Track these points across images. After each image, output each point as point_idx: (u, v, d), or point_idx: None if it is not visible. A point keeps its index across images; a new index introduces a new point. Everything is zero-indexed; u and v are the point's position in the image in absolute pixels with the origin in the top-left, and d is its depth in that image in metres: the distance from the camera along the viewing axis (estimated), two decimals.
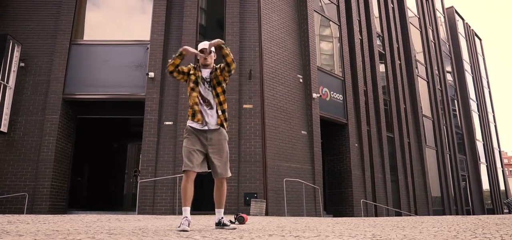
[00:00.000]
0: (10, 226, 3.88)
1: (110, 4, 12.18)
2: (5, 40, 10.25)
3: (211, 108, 3.86)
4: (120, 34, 11.49)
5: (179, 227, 3.54)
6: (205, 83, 3.89)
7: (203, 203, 10.22)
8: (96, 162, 13.98)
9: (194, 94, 3.84)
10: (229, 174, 3.97)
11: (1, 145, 10.32)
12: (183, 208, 3.68)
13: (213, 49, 3.94)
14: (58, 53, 10.91)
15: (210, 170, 3.89)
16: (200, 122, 3.79)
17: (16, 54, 10.64)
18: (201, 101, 3.85)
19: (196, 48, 4.05)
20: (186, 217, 3.59)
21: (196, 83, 3.88)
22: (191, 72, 3.94)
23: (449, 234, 3.24)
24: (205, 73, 3.94)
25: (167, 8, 11.41)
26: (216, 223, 3.91)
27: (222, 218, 3.88)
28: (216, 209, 3.93)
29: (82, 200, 13.10)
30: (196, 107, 3.81)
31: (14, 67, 10.57)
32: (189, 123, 3.83)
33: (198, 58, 4.01)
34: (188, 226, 3.53)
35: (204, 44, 3.93)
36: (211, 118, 3.84)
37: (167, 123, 10.52)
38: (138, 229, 3.68)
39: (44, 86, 10.79)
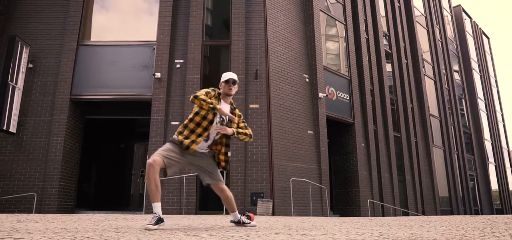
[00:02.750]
0: (20, 224, 3.92)
1: (117, 5, 12.27)
2: (14, 42, 10.37)
3: (207, 141, 3.76)
4: (126, 35, 11.56)
5: (147, 224, 3.34)
6: (220, 120, 3.78)
7: (210, 204, 10.26)
8: (103, 162, 14.08)
9: (208, 127, 3.70)
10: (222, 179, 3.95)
11: (10, 146, 10.43)
12: (153, 205, 3.42)
13: (238, 81, 3.90)
14: (65, 54, 11.01)
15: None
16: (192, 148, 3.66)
17: (25, 55, 10.75)
18: (206, 136, 3.72)
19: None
20: (155, 213, 3.37)
21: (211, 121, 3.72)
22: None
23: (457, 232, 3.21)
24: (225, 107, 3.82)
25: (173, 8, 11.46)
26: (233, 221, 4.03)
27: (239, 218, 3.97)
28: (231, 214, 4.01)
29: (90, 200, 13.20)
30: (196, 138, 3.66)
31: (23, 68, 10.68)
32: (176, 138, 3.67)
33: (220, 87, 3.88)
34: (154, 225, 3.29)
35: (230, 75, 3.84)
36: (204, 144, 3.75)
37: (173, 123, 10.56)
38: (143, 228, 3.69)
39: (52, 87, 10.89)
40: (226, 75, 3.86)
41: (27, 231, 3.12)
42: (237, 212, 4.01)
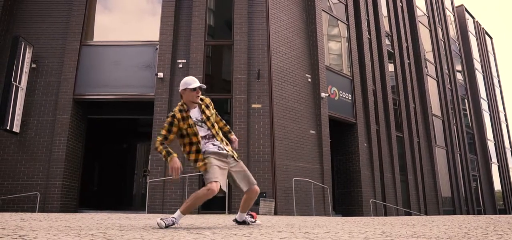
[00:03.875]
0: (24, 223, 3.94)
1: (119, 5, 12.30)
2: (17, 42, 10.41)
3: (215, 138, 3.72)
4: (129, 35, 11.59)
5: (160, 219, 3.38)
6: (202, 124, 3.71)
7: (212, 203, 10.26)
8: (106, 162, 14.11)
9: (193, 142, 3.65)
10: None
11: (14, 145, 10.48)
12: (179, 212, 3.45)
13: (204, 86, 3.76)
14: (68, 54, 11.06)
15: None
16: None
17: (28, 55, 10.80)
18: (204, 140, 3.68)
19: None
20: (176, 219, 3.41)
21: (195, 133, 3.65)
22: (184, 126, 3.65)
23: (460, 231, 3.21)
24: (197, 114, 3.73)
25: (176, 8, 11.48)
26: (237, 221, 3.97)
27: (245, 218, 3.94)
28: (240, 212, 3.93)
29: (92, 199, 13.24)
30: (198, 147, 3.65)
31: (26, 68, 10.73)
32: (206, 148, 3.65)
33: (182, 93, 3.73)
34: (165, 226, 3.33)
35: (197, 82, 3.70)
36: (225, 145, 3.72)
37: None
38: (148, 226, 3.71)
39: (55, 87, 10.93)
40: (192, 82, 3.67)
41: (32, 229, 3.14)
42: (246, 213, 3.96)
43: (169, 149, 3.59)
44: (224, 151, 3.67)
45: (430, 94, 19.33)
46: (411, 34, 19.24)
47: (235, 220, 4.02)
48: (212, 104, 3.93)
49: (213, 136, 3.71)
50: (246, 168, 3.80)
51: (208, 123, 3.72)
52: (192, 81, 3.68)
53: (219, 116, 4.07)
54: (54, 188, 10.11)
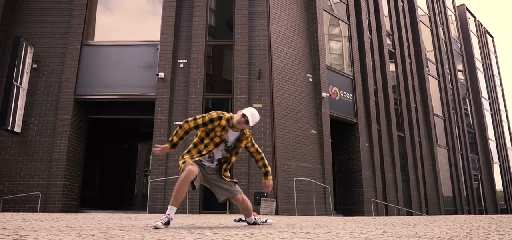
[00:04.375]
0: (25, 223, 3.94)
1: (120, 5, 12.31)
2: (19, 42, 10.42)
3: (212, 162, 3.78)
4: (130, 35, 11.59)
5: (155, 222, 3.37)
6: (225, 146, 3.76)
7: (213, 203, 10.27)
8: (107, 162, 14.12)
9: (210, 148, 3.71)
10: (240, 189, 3.88)
11: (15, 145, 10.49)
12: (170, 207, 3.48)
13: (252, 125, 3.64)
14: (69, 55, 11.07)
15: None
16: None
17: (29, 55, 10.81)
18: (208, 155, 3.73)
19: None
20: (169, 214, 3.42)
21: (217, 145, 3.71)
22: (218, 133, 3.68)
23: (462, 231, 3.20)
24: (232, 136, 3.76)
25: (177, 8, 11.48)
26: (248, 223, 4.04)
27: (255, 220, 4.01)
28: (247, 218, 4.02)
29: (94, 199, 13.25)
30: (199, 157, 3.70)
31: (27, 69, 10.75)
32: (188, 158, 3.70)
33: (237, 112, 3.72)
34: (163, 225, 3.33)
35: (250, 115, 3.61)
36: (212, 164, 3.79)
37: (177, 123, 10.59)
38: (149, 226, 3.71)
39: (56, 87, 10.95)
40: (248, 113, 3.62)
41: (33, 229, 3.14)
42: (253, 216, 4.01)
43: (178, 143, 3.74)
44: (203, 162, 3.73)
45: (431, 93, 19.29)
46: (412, 34, 19.21)
47: (247, 222, 4.06)
48: (251, 141, 3.92)
49: (216, 161, 3.78)
50: (227, 185, 3.79)
51: (229, 151, 3.78)
52: (249, 113, 3.63)
53: (260, 154, 4.01)
54: (55, 188, 10.12)
